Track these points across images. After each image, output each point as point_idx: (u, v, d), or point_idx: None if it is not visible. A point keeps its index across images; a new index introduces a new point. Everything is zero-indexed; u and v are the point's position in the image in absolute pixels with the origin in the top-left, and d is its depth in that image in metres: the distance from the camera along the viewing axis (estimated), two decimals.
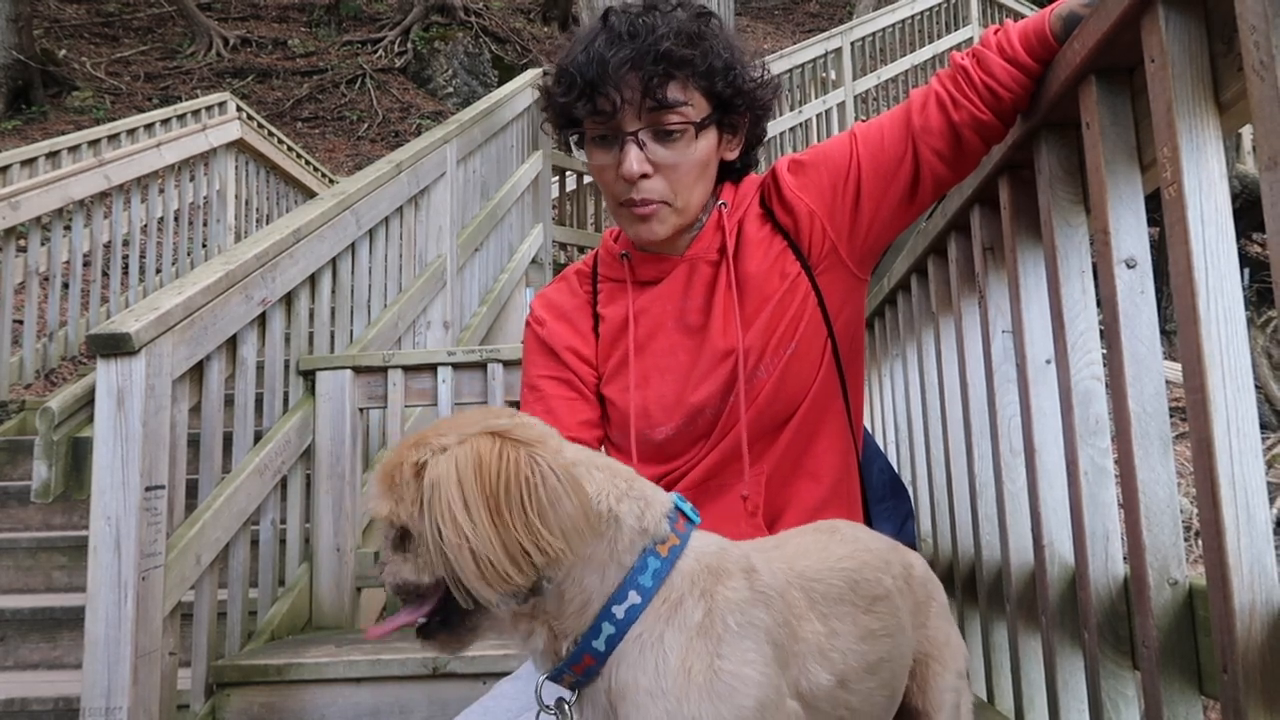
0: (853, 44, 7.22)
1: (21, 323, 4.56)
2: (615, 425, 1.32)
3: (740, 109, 1.29)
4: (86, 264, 4.89)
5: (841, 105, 7.06)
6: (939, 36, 7.92)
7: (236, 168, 6.07)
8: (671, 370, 1.30)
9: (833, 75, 7.12)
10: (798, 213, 1.29)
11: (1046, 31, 1.20)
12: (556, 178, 6.09)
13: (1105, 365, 1.17)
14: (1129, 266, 1.10)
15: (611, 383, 1.33)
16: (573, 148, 1.33)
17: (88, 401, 3.48)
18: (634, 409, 1.29)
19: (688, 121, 1.24)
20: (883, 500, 1.44)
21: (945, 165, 1.27)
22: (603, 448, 1.35)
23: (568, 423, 1.32)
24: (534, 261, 5.35)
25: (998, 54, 1.23)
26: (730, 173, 1.35)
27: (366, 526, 3.05)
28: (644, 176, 1.23)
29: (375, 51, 11.82)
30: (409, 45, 11.88)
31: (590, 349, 1.35)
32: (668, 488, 1.29)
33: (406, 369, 2.98)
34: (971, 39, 7.96)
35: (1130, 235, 1.11)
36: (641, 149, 1.22)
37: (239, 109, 6.54)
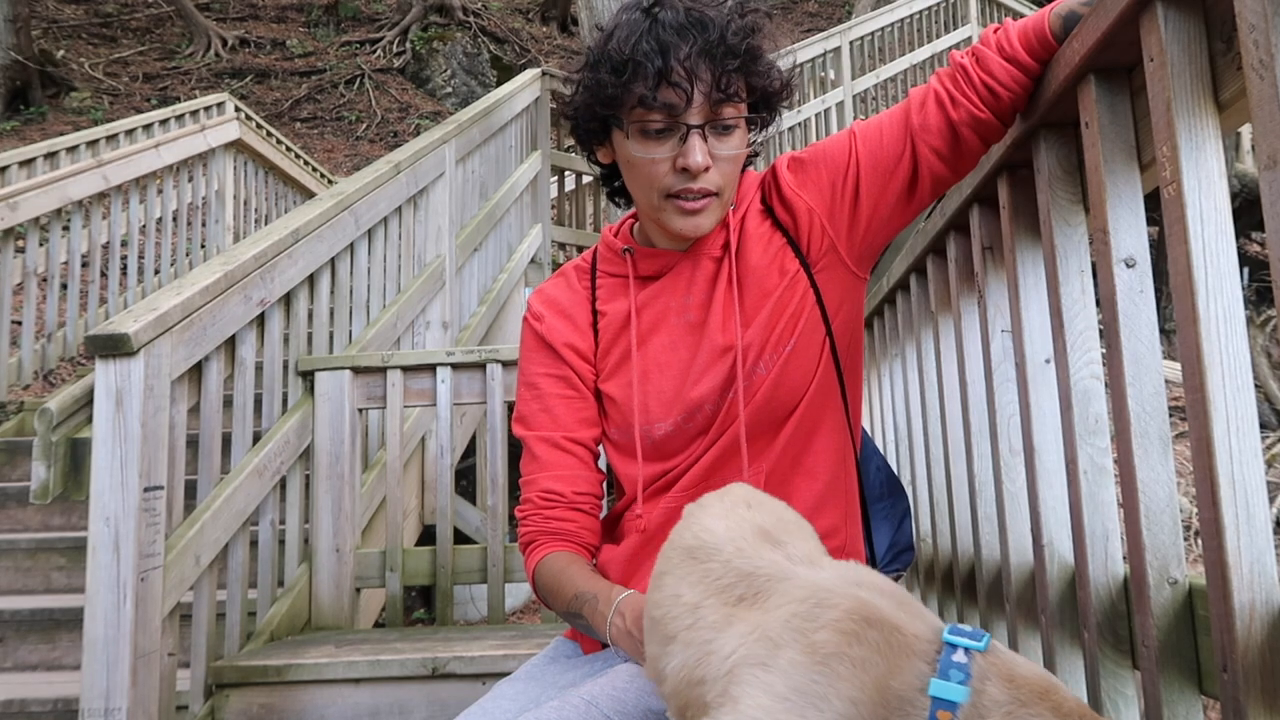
0: (851, 43, 7.22)
1: (20, 324, 4.55)
2: (614, 423, 1.32)
3: (775, 104, 1.30)
4: (85, 265, 4.88)
5: (840, 105, 7.05)
6: (938, 36, 7.92)
7: (235, 168, 6.07)
8: (671, 366, 1.29)
9: (831, 75, 7.12)
10: (797, 210, 1.29)
11: (1046, 30, 1.20)
12: (555, 178, 6.07)
13: (1104, 365, 1.17)
14: (1128, 266, 1.10)
15: (611, 379, 1.32)
16: (618, 134, 1.25)
17: (86, 402, 3.49)
18: (636, 405, 1.29)
19: (750, 115, 1.24)
20: (880, 499, 1.43)
21: (943, 164, 1.27)
22: (600, 446, 1.35)
23: (566, 421, 1.32)
24: (533, 261, 5.34)
25: (997, 53, 1.23)
26: None
27: (365, 527, 3.05)
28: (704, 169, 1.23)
29: (374, 52, 11.81)
30: (407, 46, 11.87)
31: (588, 345, 1.35)
32: (666, 486, 1.28)
33: (405, 369, 2.98)
34: (970, 38, 7.97)
35: (1129, 234, 1.11)
36: (705, 141, 1.22)
37: (237, 109, 6.54)
